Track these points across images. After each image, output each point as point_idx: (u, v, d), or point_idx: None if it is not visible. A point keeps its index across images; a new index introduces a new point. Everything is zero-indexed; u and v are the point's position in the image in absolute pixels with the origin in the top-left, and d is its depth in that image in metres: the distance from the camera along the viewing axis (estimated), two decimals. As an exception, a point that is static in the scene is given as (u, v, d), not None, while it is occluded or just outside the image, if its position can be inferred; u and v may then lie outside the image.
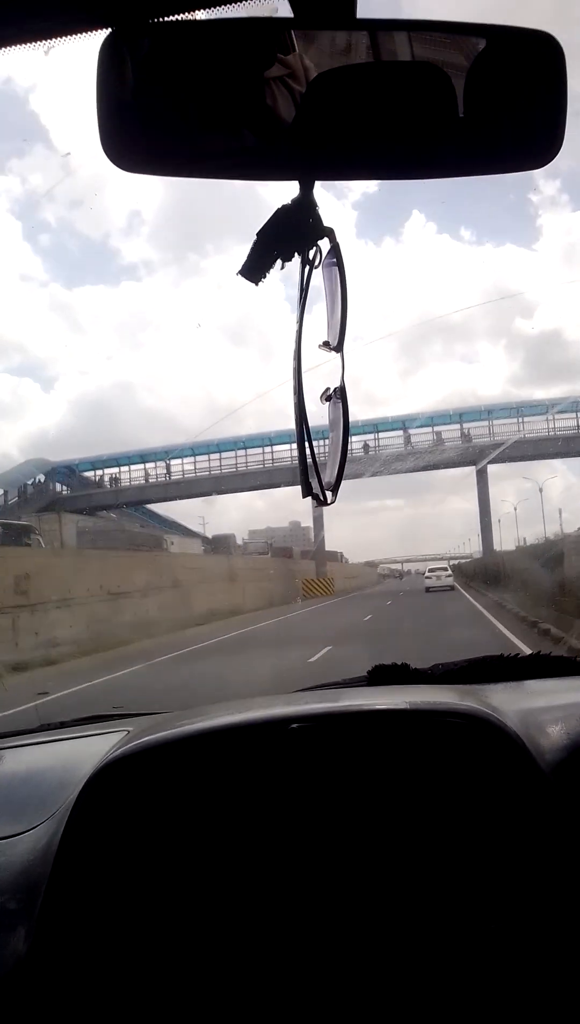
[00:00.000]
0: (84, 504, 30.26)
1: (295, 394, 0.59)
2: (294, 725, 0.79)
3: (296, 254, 0.59)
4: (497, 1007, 0.70)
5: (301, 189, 0.58)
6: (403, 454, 30.74)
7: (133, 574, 15.22)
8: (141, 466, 33.20)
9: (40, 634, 11.13)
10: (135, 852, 0.75)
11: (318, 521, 33.08)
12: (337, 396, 0.62)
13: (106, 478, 33.85)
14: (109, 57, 0.55)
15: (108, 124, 0.55)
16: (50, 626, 11.43)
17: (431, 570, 29.56)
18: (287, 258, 0.58)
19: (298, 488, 0.60)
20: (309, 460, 0.60)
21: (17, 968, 0.71)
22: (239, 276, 0.59)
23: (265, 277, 0.59)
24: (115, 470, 33.03)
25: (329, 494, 0.61)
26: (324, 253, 0.59)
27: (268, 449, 33.48)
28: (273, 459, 32.55)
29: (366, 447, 29.45)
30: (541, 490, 34.52)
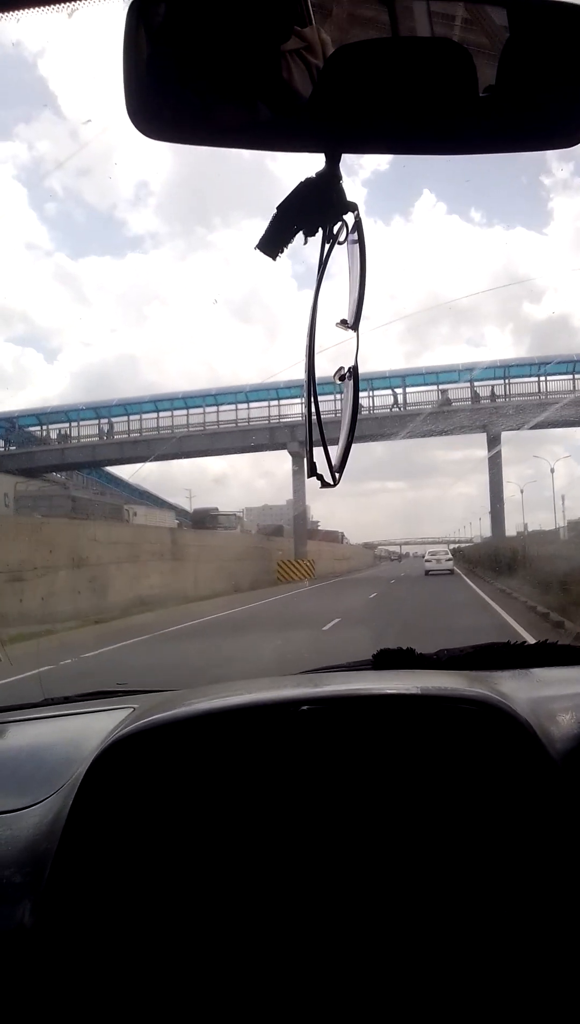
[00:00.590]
0: (27, 464, 30.16)
1: (306, 372, 0.70)
2: (304, 707, 0.90)
3: (319, 229, 0.68)
4: (502, 992, 0.83)
5: (327, 162, 0.67)
6: (401, 415, 30.94)
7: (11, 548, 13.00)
8: (95, 422, 33.10)
9: None
10: (141, 829, 0.87)
11: (298, 493, 33.37)
12: (349, 376, 0.72)
13: (54, 434, 33.54)
14: (135, 23, 0.64)
15: (134, 91, 0.64)
16: None
17: (431, 553, 33.00)
18: (310, 232, 0.68)
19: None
20: (318, 440, 0.70)
21: (23, 940, 0.84)
22: (257, 250, 0.68)
23: (283, 251, 0.68)
24: (64, 425, 32.97)
25: (335, 475, 0.71)
26: (348, 228, 0.69)
27: (244, 406, 33.56)
28: (273, 415, 32.91)
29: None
30: (552, 470, 35.29)
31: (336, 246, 0.69)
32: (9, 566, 12.72)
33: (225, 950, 0.85)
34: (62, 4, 0.64)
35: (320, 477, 0.70)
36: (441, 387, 33.62)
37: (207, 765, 0.90)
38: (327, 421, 0.71)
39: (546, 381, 32.45)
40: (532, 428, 30.94)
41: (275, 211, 0.68)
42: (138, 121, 0.65)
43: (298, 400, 34.19)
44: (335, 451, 0.72)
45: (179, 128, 0.67)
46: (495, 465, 33.34)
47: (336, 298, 0.72)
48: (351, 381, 0.72)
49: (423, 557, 35.84)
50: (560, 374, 32.42)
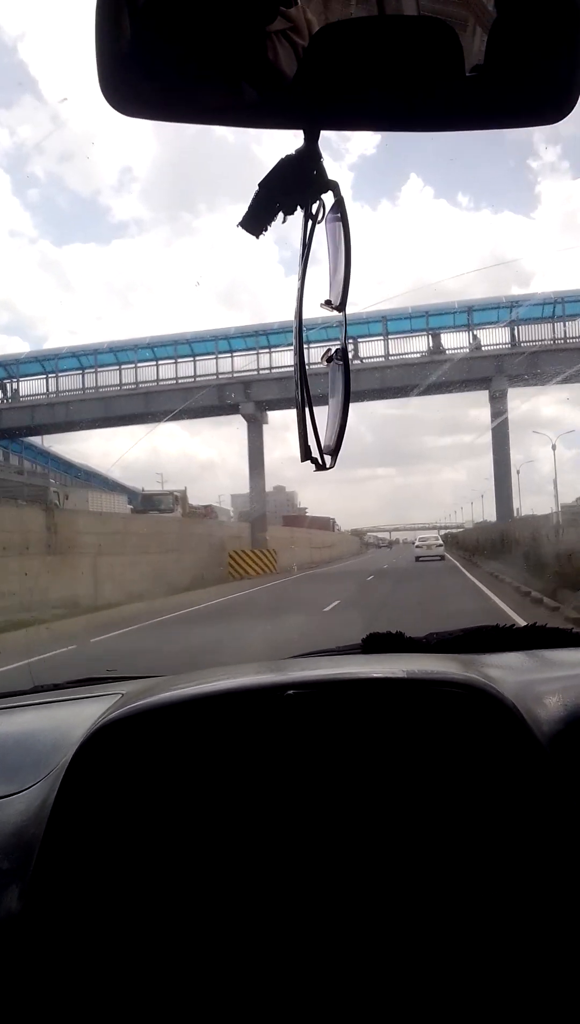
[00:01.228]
0: None
1: (295, 354, 0.86)
2: (290, 692, 1.09)
3: (298, 207, 0.84)
4: (497, 982, 1.01)
5: (305, 139, 0.82)
6: (381, 367, 31.80)
7: None
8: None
9: None
10: (129, 815, 1.05)
11: (255, 469, 33.93)
12: (338, 358, 0.88)
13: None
14: None
15: (108, 66, 0.78)
16: None
17: (421, 539, 38.92)
18: (289, 211, 0.83)
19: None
20: (309, 422, 0.86)
21: (11, 927, 1.01)
22: (239, 227, 0.84)
23: (266, 230, 0.84)
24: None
25: (328, 458, 0.88)
26: (327, 207, 0.85)
27: (188, 359, 33.65)
28: (224, 371, 34.07)
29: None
30: (554, 447, 37.30)
31: (319, 225, 0.85)
32: None
33: (217, 936, 1.03)
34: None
35: (314, 460, 0.86)
36: (432, 332, 34.15)
37: (194, 749, 1.08)
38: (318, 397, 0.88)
39: (564, 324, 32.95)
40: (555, 382, 31.43)
41: (257, 188, 0.83)
42: (113, 98, 0.79)
43: (253, 351, 34.55)
44: (326, 432, 0.88)
45: (152, 104, 0.81)
46: (500, 433, 34.05)
47: (321, 281, 0.88)
48: (341, 363, 0.88)
49: (414, 544, 41.34)
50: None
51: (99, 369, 35.07)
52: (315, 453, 0.87)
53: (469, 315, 33.94)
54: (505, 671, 1.30)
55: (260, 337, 34.94)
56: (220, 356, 35.04)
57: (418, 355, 34.17)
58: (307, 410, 0.86)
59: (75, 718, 1.33)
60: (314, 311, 0.88)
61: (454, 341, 34.83)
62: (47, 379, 34.54)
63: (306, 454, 0.86)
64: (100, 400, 34.44)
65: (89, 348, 35.94)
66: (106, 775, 1.07)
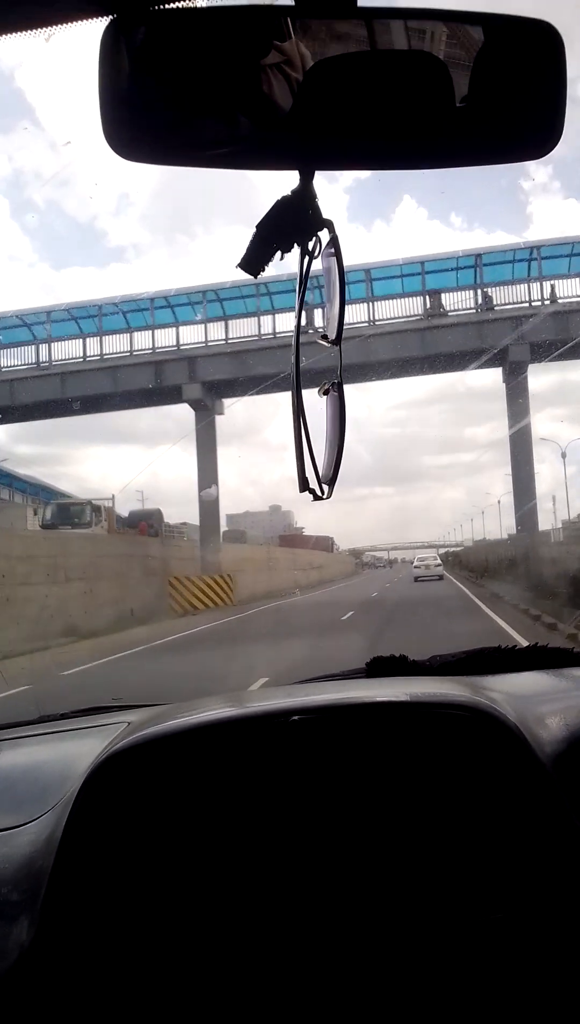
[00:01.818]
0: None
1: (293, 386, 1.09)
2: (295, 717, 1.34)
3: (295, 246, 1.07)
4: (498, 997, 1.26)
5: (301, 180, 1.06)
6: (363, 335, 29.79)
7: None
8: None
9: None
10: (137, 844, 1.29)
11: (206, 455, 33.05)
12: (334, 389, 1.12)
13: None
14: (110, 45, 1.01)
15: (109, 113, 1.01)
16: None
17: (420, 559, 44.19)
18: (286, 249, 1.07)
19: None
20: (306, 453, 1.09)
21: (21, 959, 1.24)
22: (238, 268, 1.07)
23: (264, 269, 1.07)
24: None
25: (326, 488, 1.11)
26: (323, 244, 1.08)
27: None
28: (162, 346, 32.91)
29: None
30: (564, 455, 38.66)
31: (315, 261, 1.08)
32: None
33: (225, 964, 1.26)
34: (39, 29, 1.01)
35: (312, 491, 1.10)
36: (430, 292, 32.43)
37: (201, 777, 1.33)
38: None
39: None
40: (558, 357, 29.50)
41: (254, 230, 1.07)
42: (114, 143, 1.02)
43: (198, 319, 33.74)
44: (323, 463, 1.11)
45: (153, 149, 1.05)
46: (518, 415, 31.41)
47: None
48: (337, 395, 1.11)
49: (412, 564, 46.98)
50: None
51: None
52: (313, 484, 1.10)
53: (477, 267, 32.07)
54: (507, 692, 1.57)
55: (212, 304, 34.06)
56: (159, 328, 33.86)
57: (413, 319, 32.95)
58: (305, 441, 1.09)
59: (81, 748, 1.59)
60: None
61: (459, 301, 33.09)
62: None
63: (304, 485, 1.10)
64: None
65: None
66: (114, 805, 1.32)
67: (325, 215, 1.08)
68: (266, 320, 33.42)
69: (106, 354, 33.44)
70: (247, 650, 16.56)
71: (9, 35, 1.01)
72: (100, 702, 2.21)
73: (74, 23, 1.02)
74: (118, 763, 1.34)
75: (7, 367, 34.13)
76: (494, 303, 32.36)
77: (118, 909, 1.28)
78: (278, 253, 1.08)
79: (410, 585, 37.76)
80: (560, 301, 30.80)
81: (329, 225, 1.09)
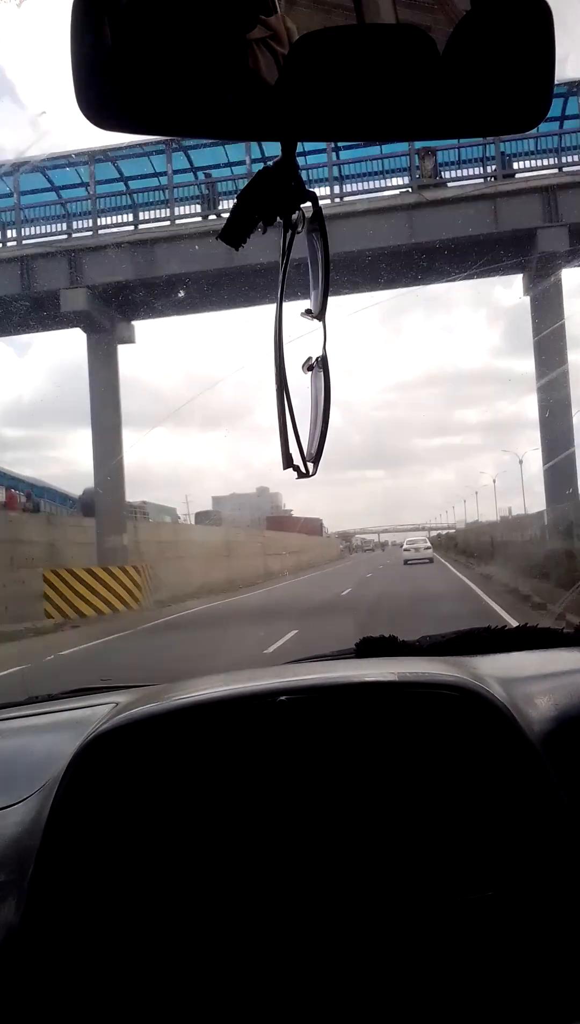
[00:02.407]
0: None
1: (276, 363, 1.07)
2: (283, 697, 1.34)
3: (277, 218, 1.05)
4: (488, 975, 1.25)
5: (283, 150, 1.04)
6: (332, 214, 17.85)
7: None
8: None
9: None
10: (125, 824, 1.29)
11: (102, 389, 24.85)
12: (319, 366, 1.10)
13: None
14: (84, 9, 0.98)
15: (84, 80, 0.99)
16: None
17: (410, 542, 46.40)
18: (269, 221, 1.05)
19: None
20: (290, 430, 1.07)
21: (9, 939, 1.24)
22: (219, 239, 1.05)
23: (245, 241, 1.05)
24: None
25: (310, 465, 1.09)
26: (306, 217, 1.06)
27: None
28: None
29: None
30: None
31: (298, 235, 1.06)
32: None
33: (215, 941, 1.26)
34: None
35: (296, 468, 1.08)
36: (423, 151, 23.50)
37: (189, 757, 1.33)
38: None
39: None
40: None
41: (236, 200, 1.04)
42: (88, 111, 1.00)
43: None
44: (307, 440, 1.09)
45: (127, 116, 1.02)
46: (547, 321, 22.87)
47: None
48: (322, 371, 1.09)
49: (402, 547, 48.40)
50: None
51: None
52: (297, 460, 1.08)
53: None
54: (496, 672, 1.57)
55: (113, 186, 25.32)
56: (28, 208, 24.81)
57: (398, 192, 24.63)
58: (288, 418, 1.07)
59: (70, 728, 1.59)
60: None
61: (462, 170, 24.78)
62: None
63: (288, 462, 1.08)
64: None
65: None
66: (101, 785, 1.32)
67: (310, 190, 1.06)
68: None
69: None
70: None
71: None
72: (89, 683, 2.20)
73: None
74: (105, 743, 1.35)
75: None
76: (514, 168, 24.59)
77: (106, 889, 1.29)
78: (260, 226, 1.06)
79: (397, 574, 33.33)
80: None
81: (312, 198, 1.07)
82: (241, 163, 22.98)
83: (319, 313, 1.09)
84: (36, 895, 1.27)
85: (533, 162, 24.46)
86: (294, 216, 1.06)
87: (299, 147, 1.06)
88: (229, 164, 24.43)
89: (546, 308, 23.75)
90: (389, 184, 25.01)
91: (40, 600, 21.05)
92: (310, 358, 1.11)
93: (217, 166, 24.68)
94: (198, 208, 25.26)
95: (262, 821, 1.31)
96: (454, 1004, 1.27)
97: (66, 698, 2.04)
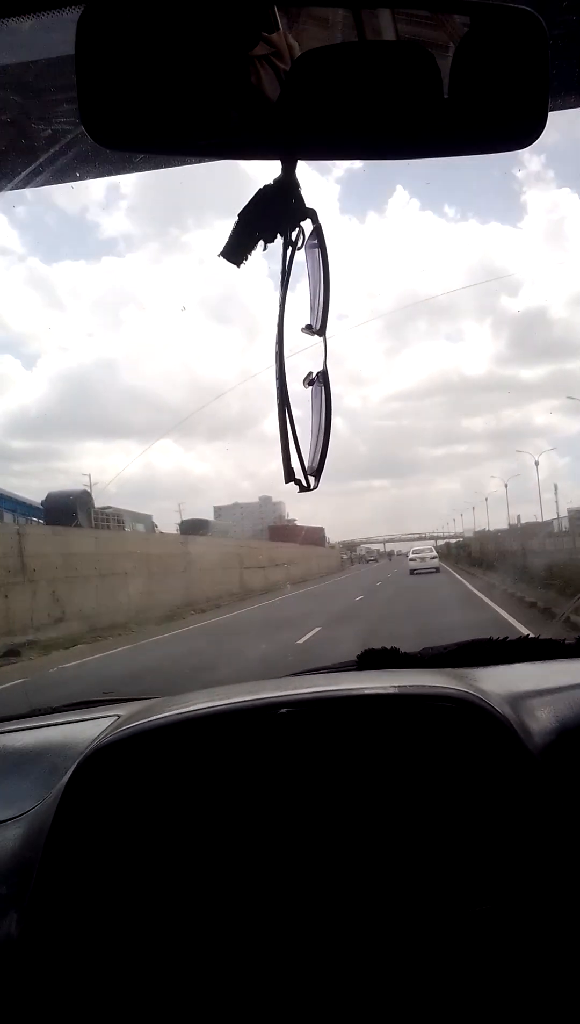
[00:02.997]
0: None
1: (277, 378, 1.08)
2: (284, 710, 1.35)
3: (278, 235, 1.06)
4: (486, 987, 1.26)
5: (283, 169, 1.05)
6: None
7: None
8: None
9: None
10: (126, 837, 1.30)
11: None
12: (320, 380, 1.11)
13: None
14: (89, 31, 1.00)
15: (88, 99, 1.00)
16: None
17: (415, 551, 45.28)
18: (269, 239, 1.07)
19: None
20: (292, 444, 1.09)
21: (10, 952, 1.24)
22: (221, 257, 1.06)
23: (247, 259, 1.07)
24: None
25: (312, 479, 1.10)
26: (306, 234, 1.08)
27: None
28: None
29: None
30: None
31: (298, 252, 1.07)
32: None
33: (216, 955, 1.27)
34: (15, 18, 1.00)
35: (298, 482, 1.10)
36: None
37: (191, 770, 1.33)
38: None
39: None
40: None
41: (237, 219, 1.06)
42: (91, 129, 1.01)
43: None
44: (309, 454, 1.10)
45: (130, 136, 1.04)
46: None
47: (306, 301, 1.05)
48: (323, 385, 1.11)
49: (407, 556, 47.89)
50: None
51: None
52: (299, 475, 1.09)
53: None
54: (497, 684, 1.57)
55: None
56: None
57: None
58: (290, 432, 1.09)
59: (72, 741, 1.61)
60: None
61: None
62: None
63: (290, 476, 1.09)
64: None
65: None
66: (103, 797, 1.33)
67: (310, 207, 1.07)
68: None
69: None
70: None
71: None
72: (91, 695, 2.20)
73: (53, 11, 1.01)
74: (106, 756, 1.35)
75: None
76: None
77: (107, 902, 1.29)
78: (261, 243, 1.07)
79: (399, 591, 28.06)
80: None
81: (312, 215, 1.08)
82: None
83: (319, 329, 1.10)
84: (36, 908, 1.28)
85: None
86: (294, 233, 1.08)
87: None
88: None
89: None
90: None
91: None
92: (311, 373, 1.13)
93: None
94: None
95: (263, 833, 1.32)
96: (452, 1014, 1.27)
97: (68, 710, 2.05)
